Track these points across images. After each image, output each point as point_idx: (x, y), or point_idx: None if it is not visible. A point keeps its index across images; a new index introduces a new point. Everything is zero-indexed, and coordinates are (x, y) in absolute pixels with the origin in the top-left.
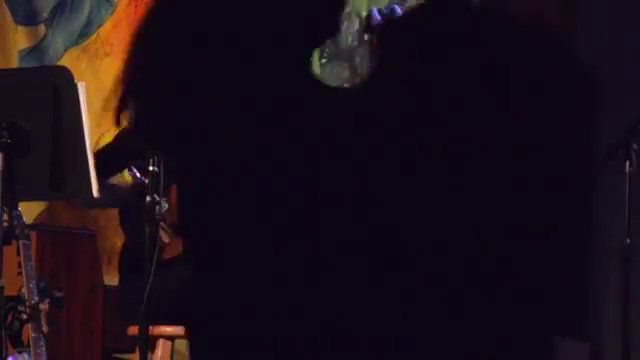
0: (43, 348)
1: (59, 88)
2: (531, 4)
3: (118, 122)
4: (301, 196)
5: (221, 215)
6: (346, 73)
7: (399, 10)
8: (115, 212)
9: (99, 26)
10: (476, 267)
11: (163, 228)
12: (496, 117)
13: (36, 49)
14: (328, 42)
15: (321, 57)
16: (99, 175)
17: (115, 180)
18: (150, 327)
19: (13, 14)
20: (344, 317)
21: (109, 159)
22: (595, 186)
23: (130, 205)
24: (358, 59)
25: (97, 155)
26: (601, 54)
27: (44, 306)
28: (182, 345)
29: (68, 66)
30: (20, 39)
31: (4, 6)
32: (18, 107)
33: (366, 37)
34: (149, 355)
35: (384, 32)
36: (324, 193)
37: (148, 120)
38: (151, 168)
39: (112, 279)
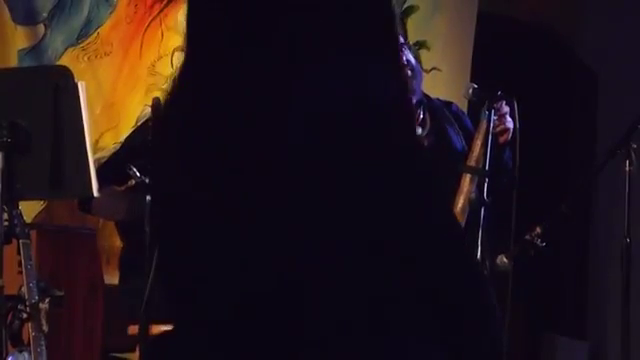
0: (43, 347)
1: (60, 88)
2: (532, 5)
3: None
4: None
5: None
6: None
7: None
8: None
9: (99, 26)
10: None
11: None
12: None
13: (35, 49)
14: None
15: None
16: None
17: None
18: (151, 326)
19: (12, 14)
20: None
21: (113, 172)
22: (595, 186)
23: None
24: None
25: (101, 169)
26: (601, 54)
27: (44, 305)
28: None
29: (67, 66)
30: (19, 39)
31: (3, 6)
32: (18, 107)
33: None
34: None
35: None
36: None
37: None
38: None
39: (112, 278)
